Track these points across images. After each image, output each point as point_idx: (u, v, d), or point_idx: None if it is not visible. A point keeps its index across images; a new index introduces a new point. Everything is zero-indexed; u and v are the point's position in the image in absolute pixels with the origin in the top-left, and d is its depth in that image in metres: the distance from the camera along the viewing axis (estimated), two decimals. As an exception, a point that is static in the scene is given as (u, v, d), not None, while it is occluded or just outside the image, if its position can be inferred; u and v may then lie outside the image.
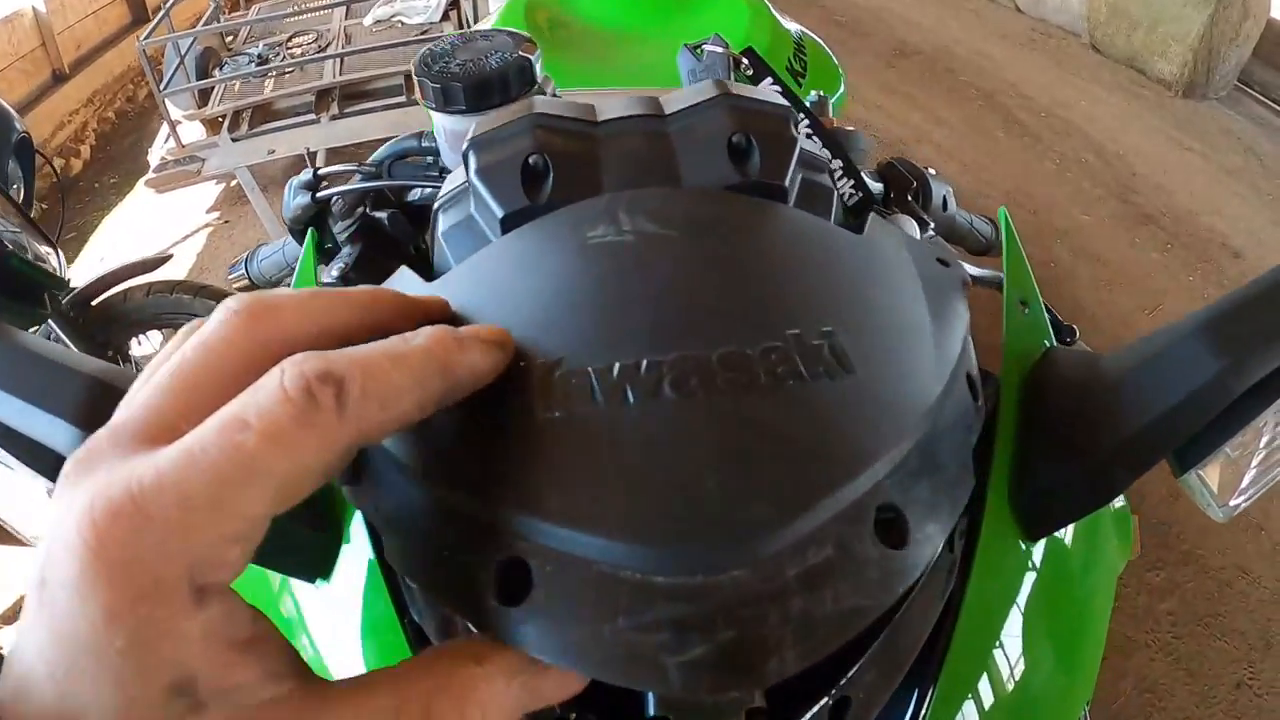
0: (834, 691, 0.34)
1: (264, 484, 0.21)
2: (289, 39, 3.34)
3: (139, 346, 1.91)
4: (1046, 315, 0.56)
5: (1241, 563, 1.75)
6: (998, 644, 0.45)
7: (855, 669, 0.34)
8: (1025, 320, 0.52)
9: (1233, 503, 0.47)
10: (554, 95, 0.74)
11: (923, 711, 0.41)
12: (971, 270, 0.59)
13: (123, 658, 0.19)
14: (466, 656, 0.25)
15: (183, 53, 3.02)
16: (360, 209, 0.76)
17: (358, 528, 0.44)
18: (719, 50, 0.80)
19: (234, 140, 2.85)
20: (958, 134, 3.30)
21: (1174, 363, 0.40)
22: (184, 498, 0.20)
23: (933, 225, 0.74)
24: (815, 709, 0.34)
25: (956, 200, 0.94)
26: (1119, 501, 0.60)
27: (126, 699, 0.20)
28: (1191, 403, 0.39)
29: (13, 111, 2.28)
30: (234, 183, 3.03)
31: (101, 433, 0.22)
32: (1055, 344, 0.53)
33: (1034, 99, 3.52)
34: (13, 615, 1.66)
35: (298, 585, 0.46)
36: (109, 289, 1.76)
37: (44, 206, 3.00)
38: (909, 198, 0.82)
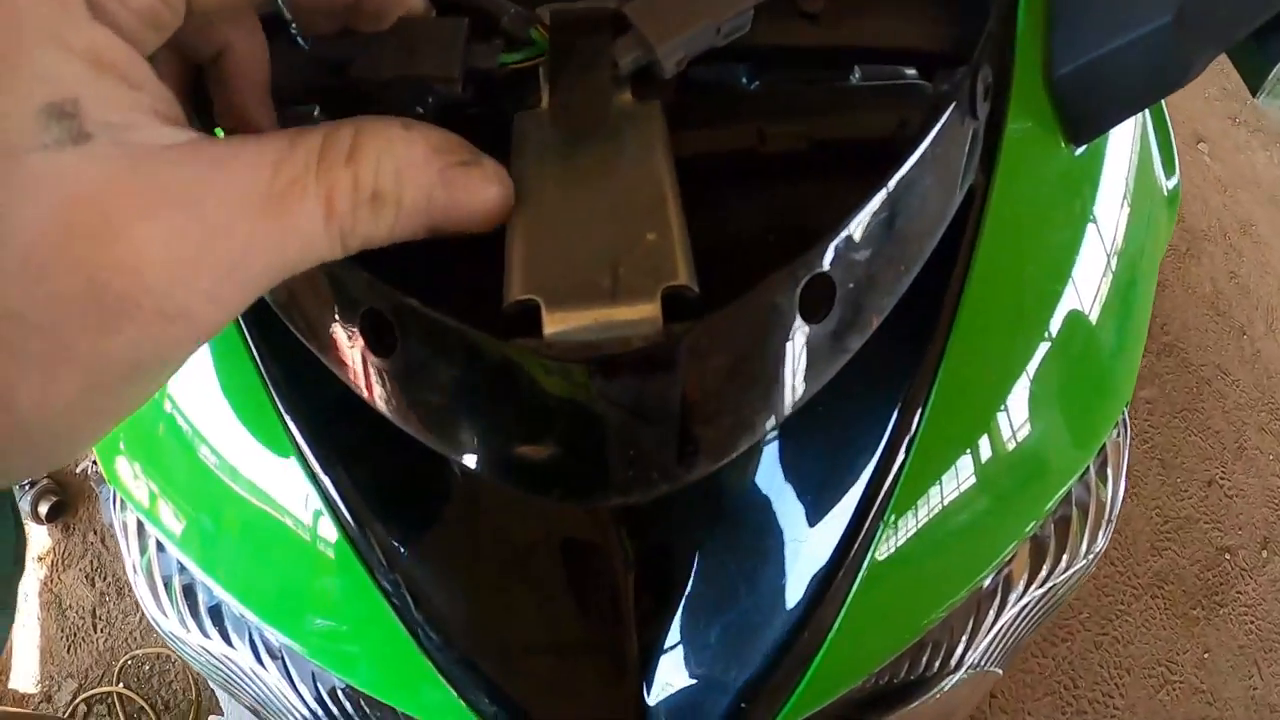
0: (802, 262, 0.24)
1: None
2: None
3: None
4: None
5: (1222, 363, 1.72)
6: (1029, 275, 0.37)
7: (836, 237, 0.25)
8: None
9: None
10: None
11: (943, 348, 0.33)
12: None
13: None
14: (394, 120, 0.22)
15: None
16: None
17: None
18: None
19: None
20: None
21: None
22: None
23: None
24: (769, 288, 0.24)
25: None
26: (1171, 181, 0.51)
27: None
28: None
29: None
30: None
31: None
32: None
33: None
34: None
35: None
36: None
37: None
38: None
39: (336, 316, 0.26)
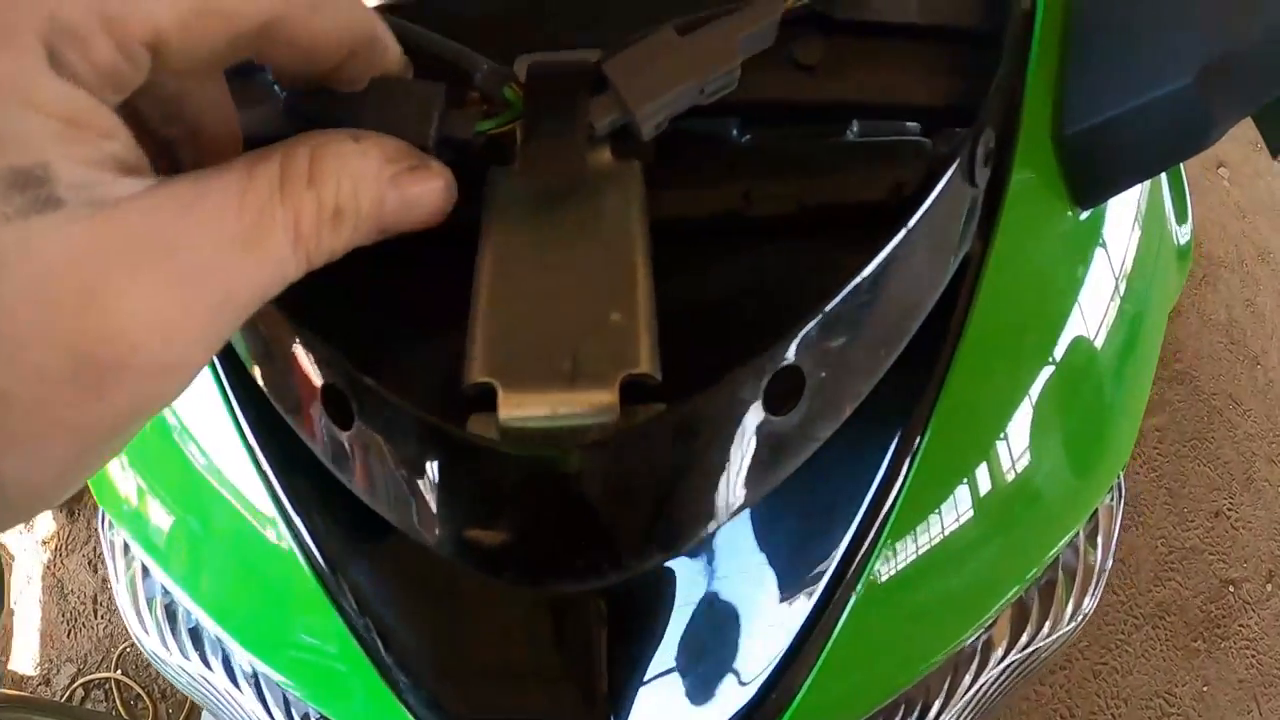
0: (767, 356, 0.23)
1: None
2: None
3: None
4: None
5: (1234, 393, 1.70)
6: (1026, 343, 0.35)
7: (805, 328, 0.23)
8: None
9: None
10: None
11: (929, 415, 0.32)
12: None
13: None
14: (345, 135, 0.22)
15: None
16: None
17: None
18: None
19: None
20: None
21: None
22: None
23: None
24: (734, 382, 0.23)
25: None
26: (1185, 235, 0.49)
27: None
28: None
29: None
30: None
31: None
32: None
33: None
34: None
35: None
36: None
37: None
38: None
39: (300, 385, 0.26)
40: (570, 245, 0.25)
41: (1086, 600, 0.43)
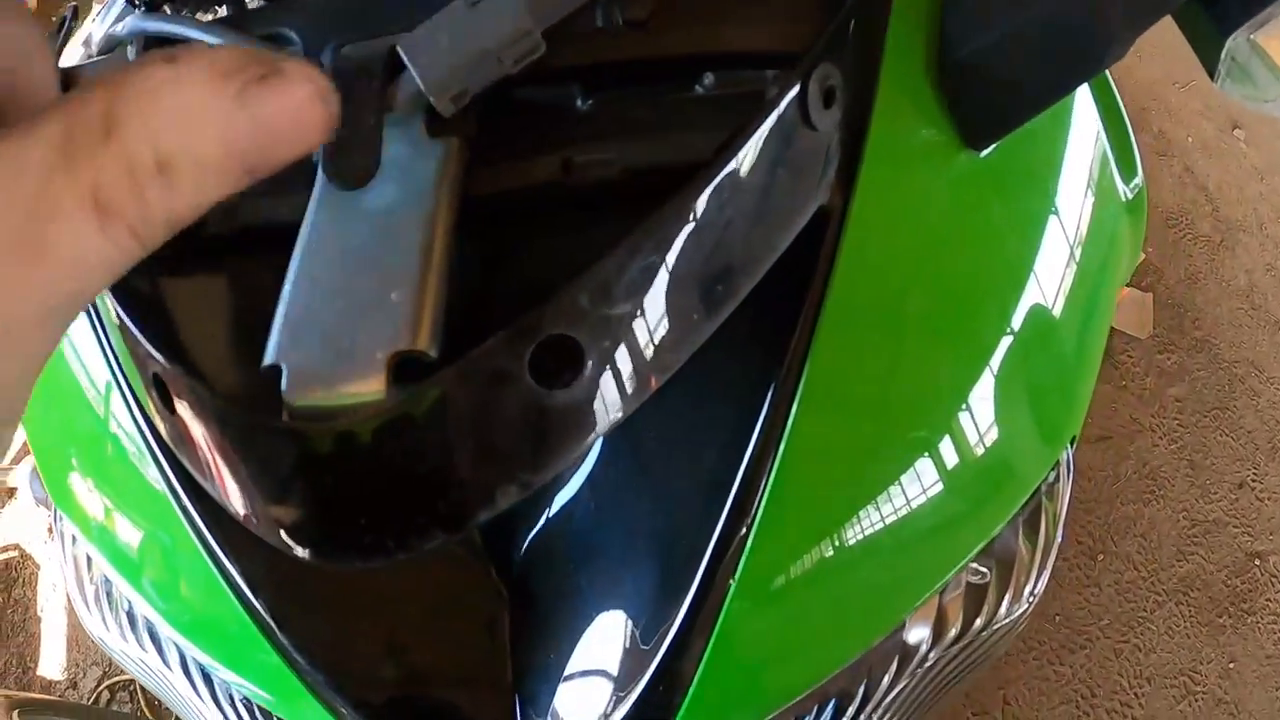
0: (524, 326, 0.22)
1: None
2: None
3: None
4: None
5: (1256, 359, 1.65)
6: (913, 306, 0.32)
7: (571, 296, 0.22)
8: None
9: None
10: None
11: (794, 393, 0.29)
12: None
13: None
14: (155, 60, 0.16)
15: None
16: None
17: None
18: None
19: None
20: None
21: None
22: None
23: None
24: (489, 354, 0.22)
25: None
26: (1133, 189, 0.45)
27: None
28: None
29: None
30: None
31: None
32: None
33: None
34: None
35: None
36: None
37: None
38: None
39: (141, 376, 0.26)
40: (372, 228, 0.25)
41: (1029, 587, 0.39)
